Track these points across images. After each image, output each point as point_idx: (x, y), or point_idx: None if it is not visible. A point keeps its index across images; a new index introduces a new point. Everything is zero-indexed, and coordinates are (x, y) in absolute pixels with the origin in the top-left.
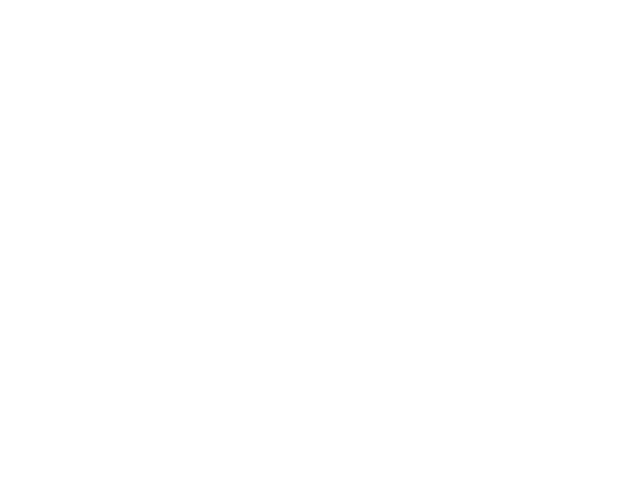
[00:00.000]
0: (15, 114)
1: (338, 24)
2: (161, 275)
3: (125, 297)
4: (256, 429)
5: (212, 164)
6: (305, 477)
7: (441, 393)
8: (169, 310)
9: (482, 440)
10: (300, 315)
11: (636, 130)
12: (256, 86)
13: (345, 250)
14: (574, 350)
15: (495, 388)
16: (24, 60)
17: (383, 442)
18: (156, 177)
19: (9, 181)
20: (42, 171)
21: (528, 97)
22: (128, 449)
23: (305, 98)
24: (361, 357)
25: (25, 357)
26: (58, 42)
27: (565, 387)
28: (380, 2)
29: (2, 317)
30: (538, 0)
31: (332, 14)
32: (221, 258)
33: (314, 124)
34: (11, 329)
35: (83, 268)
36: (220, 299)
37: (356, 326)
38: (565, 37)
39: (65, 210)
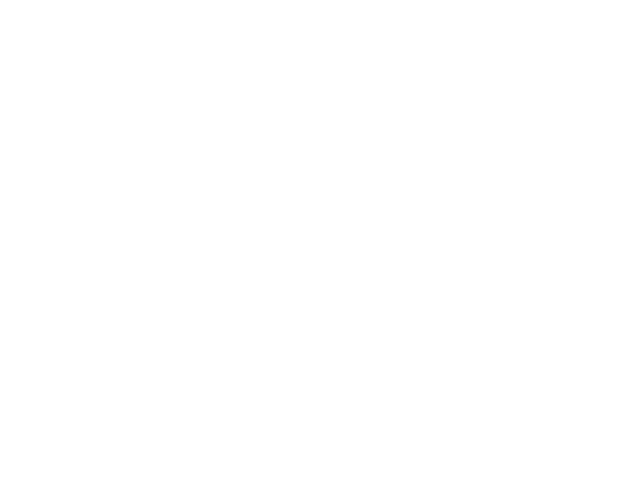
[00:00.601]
0: (15, 114)
1: (338, 24)
2: (161, 275)
3: (125, 297)
4: (256, 429)
5: (212, 164)
6: (305, 477)
7: (441, 393)
8: (169, 310)
9: (482, 440)
10: (300, 315)
11: (636, 130)
12: (256, 86)
13: (345, 250)
14: (574, 350)
15: (494, 388)
16: (24, 60)
17: (382, 442)
18: (156, 177)
19: (9, 181)
20: (42, 171)
21: (528, 97)
22: (128, 449)
23: (305, 98)
24: (361, 357)
25: (25, 357)
26: (58, 42)
27: (565, 387)
28: (380, 2)
29: (2, 317)
30: (538, 0)
31: (332, 14)
32: (221, 258)
33: (314, 124)
34: (11, 329)
35: (83, 268)
36: (220, 299)
37: (356, 326)
38: (565, 37)
39: (65, 210)
